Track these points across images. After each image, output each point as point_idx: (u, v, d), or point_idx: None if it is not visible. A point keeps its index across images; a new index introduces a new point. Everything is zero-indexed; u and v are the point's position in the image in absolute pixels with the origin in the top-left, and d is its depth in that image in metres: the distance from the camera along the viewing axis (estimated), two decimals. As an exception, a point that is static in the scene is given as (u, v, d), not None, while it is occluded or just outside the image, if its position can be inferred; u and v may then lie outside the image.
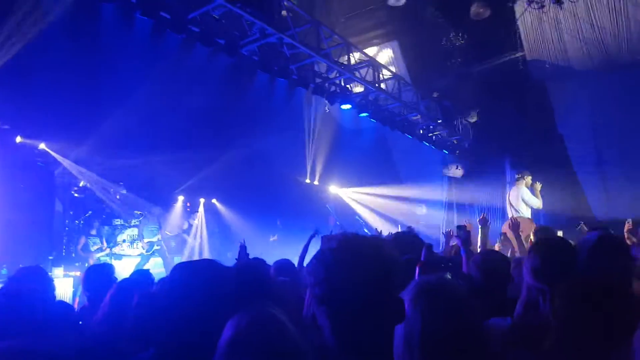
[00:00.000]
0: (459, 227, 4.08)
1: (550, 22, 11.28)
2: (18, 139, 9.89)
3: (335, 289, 1.29)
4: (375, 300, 1.28)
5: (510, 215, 9.76)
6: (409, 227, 6.63)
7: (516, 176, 10.03)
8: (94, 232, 11.04)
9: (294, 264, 4.65)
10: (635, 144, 11.95)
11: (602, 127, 12.67)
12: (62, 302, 3.62)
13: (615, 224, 9.64)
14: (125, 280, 3.34)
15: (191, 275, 1.98)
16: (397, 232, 3.01)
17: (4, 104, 9.06)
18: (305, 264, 5.12)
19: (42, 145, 10.47)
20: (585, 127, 12.83)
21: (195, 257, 12.23)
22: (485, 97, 13.62)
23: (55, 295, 3.46)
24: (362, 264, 1.29)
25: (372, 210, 15.90)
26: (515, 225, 5.02)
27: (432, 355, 1.50)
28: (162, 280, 3.63)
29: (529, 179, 9.79)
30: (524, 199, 9.55)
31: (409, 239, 2.86)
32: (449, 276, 2.54)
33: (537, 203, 9.57)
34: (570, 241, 2.83)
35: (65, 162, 10.91)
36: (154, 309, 2.03)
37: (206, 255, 13.16)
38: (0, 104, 9.06)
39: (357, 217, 15.33)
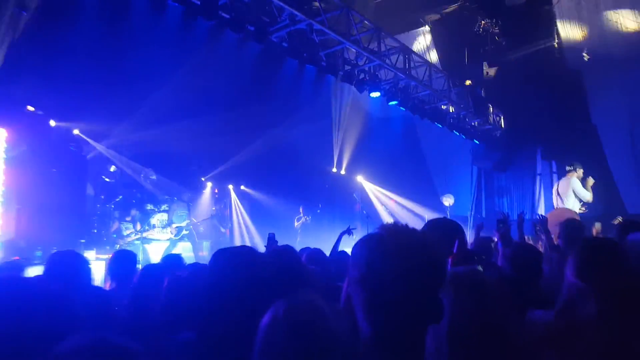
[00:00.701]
0: (499, 221, 3.98)
1: (588, 7, 10.92)
2: (52, 123, 10.08)
3: (375, 274, 1.26)
4: (413, 294, 1.24)
5: (555, 206, 9.63)
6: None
7: (567, 167, 9.88)
8: (128, 218, 11.24)
9: (325, 254, 4.63)
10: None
11: (637, 119, 12.30)
12: (98, 288, 3.65)
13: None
14: (151, 265, 3.36)
15: (233, 262, 1.99)
16: (435, 219, 2.90)
17: (38, 90, 9.23)
18: (335, 258, 5.12)
19: (76, 131, 10.65)
20: (620, 118, 12.48)
21: (229, 243, 12.37)
22: (519, 85, 13.31)
23: (92, 280, 3.48)
24: (406, 255, 1.25)
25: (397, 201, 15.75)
26: (543, 220, 4.87)
27: (460, 346, 1.49)
28: (193, 265, 3.65)
29: (580, 171, 9.68)
30: (575, 191, 9.41)
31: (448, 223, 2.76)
32: (480, 269, 2.49)
33: (588, 196, 9.45)
34: (614, 240, 2.71)
35: (98, 147, 11.09)
36: (194, 295, 2.04)
37: (238, 241, 13.33)
38: (34, 89, 9.24)
39: (382, 206, 15.24)
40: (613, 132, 12.62)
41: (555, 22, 11.83)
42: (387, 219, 13.96)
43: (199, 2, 7.04)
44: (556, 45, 12.36)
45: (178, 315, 2.43)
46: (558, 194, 9.70)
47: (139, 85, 9.29)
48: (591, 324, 2.03)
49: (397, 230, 1.33)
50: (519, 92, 13.37)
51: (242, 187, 14.57)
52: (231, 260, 2.01)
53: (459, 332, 1.48)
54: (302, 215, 13.59)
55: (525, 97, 13.20)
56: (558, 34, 12.07)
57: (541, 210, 14.07)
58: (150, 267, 3.20)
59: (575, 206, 9.35)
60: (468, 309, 1.51)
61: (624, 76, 12.11)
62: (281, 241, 4.46)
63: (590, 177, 9.71)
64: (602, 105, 12.68)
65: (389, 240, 1.28)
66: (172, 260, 4.17)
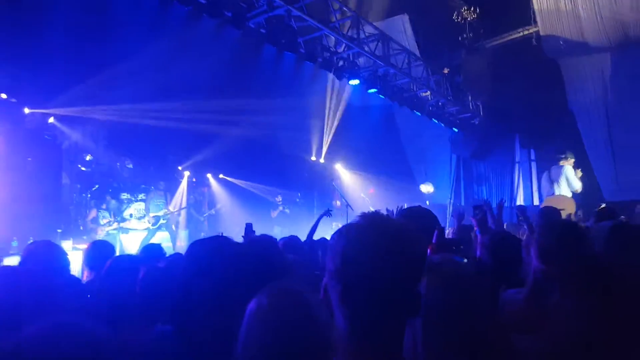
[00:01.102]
0: (475, 207, 3.96)
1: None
2: (26, 110, 9.88)
3: (351, 267, 1.22)
4: (391, 287, 1.20)
5: (548, 193, 9.76)
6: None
7: (560, 155, 10.02)
8: (104, 206, 11.09)
9: (300, 241, 4.61)
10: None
11: (613, 107, 12.47)
12: (74, 278, 3.60)
13: (624, 205, 9.61)
14: (122, 256, 3.29)
15: (208, 252, 1.96)
16: (410, 207, 2.87)
17: (10, 77, 9.04)
18: (313, 242, 5.10)
19: (51, 120, 10.46)
20: (596, 106, 12.63)
21: (208, 233, 12.28)
22: (497, 73, 13.39)
23: (69, 270, 3.43)
24: (385, 246, 1.21)
25: (377, 188, 15.80)
26: (523, 208, 4.94)
27: (433, 334, 1.48)
28: (173, 256, 3.60)
29: (572, 160, 9.86)
30: (568, 178, 9.56)
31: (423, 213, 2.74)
32: (461, 258, 2.49)
33: (578, 185, 9.64)
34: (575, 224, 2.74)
35: (74, 136, 10.91)
36: (170, 286, 2.00)
37: (216, 231, 13.22)
38: (6, 77, 9.04)
39: (362, 194, 15.28)
40: (590, 120, 12.78)
41: (533, 10, 11.89)
42: (367, 208, 14.01)
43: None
44: (534, 34, 12.43)
45: (154, 306, 2.40)
46: (550, 180, 9.84)
47: (114, 71, 9.13)
48: (555, 307, 2.04)
49: (377, 220, 1.29)
50: (497, 80, 13.47)
51: (221, 176, 14.47)
52: (207, 250, 1.98)
53: (433, 319, 1.47)
54: (280, 204, 13.56)
55: (503, 85, 13.31)
56: (535, 22, 12.14)
57: (520, 198, 14.27)
58: (120, 258, 3.13)
59: (567, 194, 9.52)
60: (440, 295, 1.50)
61: (598, 64, 12.28)
62: (260, 230, 4.44)
63: (579, 168, 9.91)
64: (579, 94, 12.83)
65: (368, 232, 1.24)
66: (151, 251, 4.12)
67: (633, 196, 11.22)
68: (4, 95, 9.45)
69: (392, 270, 1.19)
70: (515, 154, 14.84)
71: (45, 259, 3.10)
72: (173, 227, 11.96)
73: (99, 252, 3.85)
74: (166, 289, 2.10)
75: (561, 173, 9.65)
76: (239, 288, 1.76)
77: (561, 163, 9.84)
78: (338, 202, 14.29)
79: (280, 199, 13.70)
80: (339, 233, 1.29)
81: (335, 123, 14.43)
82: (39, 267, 2.93)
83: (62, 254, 3.32)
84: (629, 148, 12.16)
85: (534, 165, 14.34)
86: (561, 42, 12.22)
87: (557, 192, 9.48)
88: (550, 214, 4.63)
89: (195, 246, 2.03)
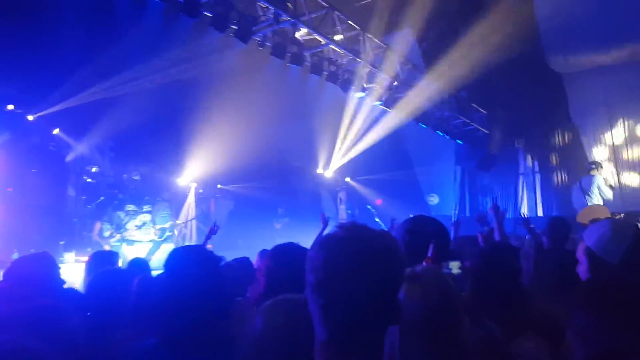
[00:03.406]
0: (479, 219, 3.94)
1: (569, 12, 11.02)
2: (30, 118, 9.86)
3: (334, 280, 1.20)
4: (373, 298, 1.19)
5: (580, 203, 9.73)
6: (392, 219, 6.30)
7: (590, 165, 10.04)
8: (106, 218, 11.04)
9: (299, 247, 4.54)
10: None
11: (615, 119, 12.54)
12: (71, 290, 3.55)
13: (628, 216, 9.58)
14: (108, 269, 3.24)
15: (186, 263, 1.93)
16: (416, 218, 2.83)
17: (17, 88, 9.08)
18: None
19: (56, 131, 10.48)
20: (599, 119, 12.68)
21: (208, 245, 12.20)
22: (501, 86, 13.43)
23: (62, 281, 3.37)
24: (366, 257, 1.20)
25: (384, 199, 15.76)
26: (527, 220, 4.92)
27: (412, 341, 1.49)
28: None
29: (602, 170, 9.89)
30: (600, 187, 9.55)
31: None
32: (455, 269, 2.46)
33: (610, 194, 9.64)
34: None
35: (79, 147, 10.92)
36: (152, 298, 1.98)
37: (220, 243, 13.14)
38: (13, 87, 9.08)
39: (368, 206, 15.24)
40: (592, 132, 12.81)
41: (538, 25, 11.92)
42: (374, 218, 13.98)
43: (181, 0, 6.95)
44: (538, 48, 12.45)
45: (143, 319, 2.37)
46: (582, 190, 9.82)
47: (121, 83, 9.18)
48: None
49: (357, 232, 1.26)
50: (502, 93, 13.50)
51: (219, 186, 14.42)
52: (183, 261, 1.95)
53: (409, 328, 1.46)
54: (281, 216, 13.52)
55: (508, 98, 13.35)
56: (540, 37, 12.17)
57: (524, 208, 14.23)
58: (105, 272, 3.07)
59: (599, 203, 9.49)
60: (416, 304, 1.51)
61: (602, 77, 12.34)
62: (261, 243, 4.41)
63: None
64: (582, 104, 12.87)
65: (348, 244, 1.22)
66: (137, 265, 4.08)
67: (634, 207, 11.25)
68: (10, 107, 9.48)
69: (373, 281, 1.19)
70: (519, 166, 14.82)
71: (30, 273, 3.06)
72: (179, 239, 11.91)
73: (100, 263, 3.83)
74: (154, 302, 2.08)
75: (592, 182, 9.64)
76: (217, 297, 1.73)
77: (592, 172, 9.84)
78: (343, 209, 14.17)
79: (282, 211, 13.64)
80: (318, 245, 1.27)
81: (351, 137, 14.37)
82: (21, 281, 2.90)
83: (51, 267, 3.26)
84: (632, 161, 12.20)
85: (537, 177, 14.31)
86: (565, 56, 12.27)
87: (589, 202, 9.45)
88: (558, 226, 4.59)
89: (172, 256, 2.01)
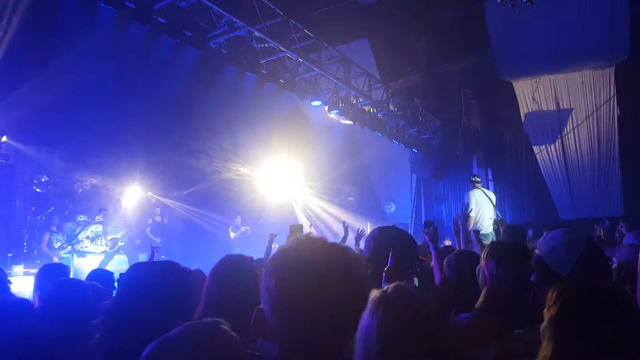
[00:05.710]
0: (427, 223, 3.99)
1: (520, 22, 11.41)
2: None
3: (287, 301, 1.18)
4: (329, 315, 1.17)
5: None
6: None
7: (475, 178, 9.94)
8: (54, 228, 10.65)
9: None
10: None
11: (566, 127, 12.97)
12: (22, 300, 3.44)
13: (580, 224, 9.90)
14: (62, 280, 3.15)
15: (127, 277, 1.94)
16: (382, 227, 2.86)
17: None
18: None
19: (4, 138, 10.09)
20: (551, 126, 13.11)
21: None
22: (455, 96, 13.79)
23: (10, 293, 3.28)
24: (316, 274, 1.17)
25: (340, 209, 15.83)
26: (456, 219, 4.97)
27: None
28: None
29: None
30: (491, 201, 9.54)
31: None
32: (416, 283, 2.50)
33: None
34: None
35: (28, 155, 10.57)
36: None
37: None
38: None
39: (326, 214, 15.31)
40: (544, 139, 13.22)
41: (489, 34, 12.28)
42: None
43: (133, 6, 6.85)
44: (490, 57, 12.82)
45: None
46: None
47: (71, 92, 8.95)
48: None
49: (314, 245, 1.22)
50: (455, 103, 13.85)
51: (175, 193, 14.20)
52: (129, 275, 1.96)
53: (389, 353, 1.40)
54: (239, 225, 13.26)
55: (460, 108, 13.71)
56: (491, 46, 12.53)
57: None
58: (62, 282, 2.99)
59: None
60: (396, 329, 1.42)
61: (552, 87, 12.83)
62: (218, 253, 4.35)
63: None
64: (533, 114, 13.29)
65: (305, 259, 1.19)
66: (100, 277, 3.98)
67: (586, 214, 11.68)
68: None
69: (329, 299, 1.16)
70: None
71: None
72: (131, 250, 11.57)
73: (50, 276, 3.71)
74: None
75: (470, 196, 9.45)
76: (158, 311, 1.72)
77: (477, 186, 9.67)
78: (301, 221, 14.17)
79: (240, 219, 13.42)
80: (272, 260, 1.24)
81: (298, 143, 14.43)
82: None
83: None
84: (582, 168, 12.66)
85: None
86: (515, 65, 12.67)
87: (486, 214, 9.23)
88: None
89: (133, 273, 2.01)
